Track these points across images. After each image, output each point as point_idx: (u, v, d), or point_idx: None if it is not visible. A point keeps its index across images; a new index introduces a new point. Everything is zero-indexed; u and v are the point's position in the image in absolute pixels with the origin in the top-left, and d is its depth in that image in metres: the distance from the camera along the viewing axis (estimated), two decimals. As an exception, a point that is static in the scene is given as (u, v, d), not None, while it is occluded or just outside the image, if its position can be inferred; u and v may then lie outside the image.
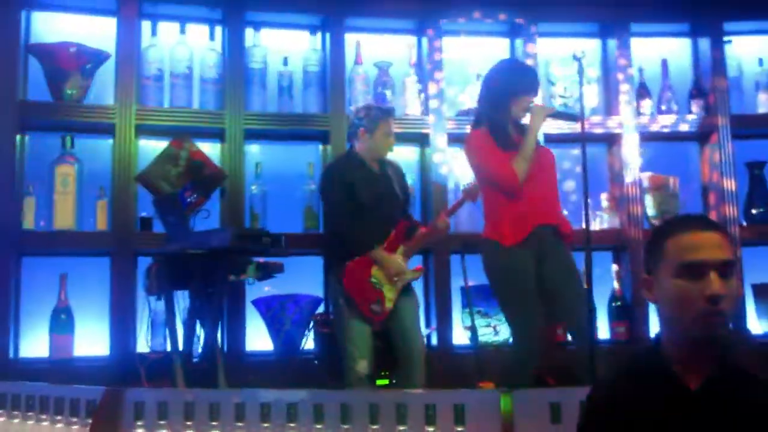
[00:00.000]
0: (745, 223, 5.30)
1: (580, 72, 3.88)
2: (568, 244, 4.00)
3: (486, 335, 4.98)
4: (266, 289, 4.79)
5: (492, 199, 4.06)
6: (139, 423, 2.90)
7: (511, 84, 3.98)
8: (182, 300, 4.12)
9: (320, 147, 5.23)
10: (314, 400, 2.77)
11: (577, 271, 3.95)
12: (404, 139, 5.19)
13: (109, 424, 2.92)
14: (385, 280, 4.23)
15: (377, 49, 5.33)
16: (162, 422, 2.88)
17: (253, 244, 3.77)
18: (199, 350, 4.05)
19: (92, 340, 4.71)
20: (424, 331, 4.84)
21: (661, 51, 5.56)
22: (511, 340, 4.15)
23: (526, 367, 3.80)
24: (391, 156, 4.54)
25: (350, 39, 5.22)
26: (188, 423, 2.86)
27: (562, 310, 3.96)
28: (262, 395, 2.84)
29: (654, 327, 5.04)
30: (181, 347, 4.06)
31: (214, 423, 2.84)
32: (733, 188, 5.25)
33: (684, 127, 5.35)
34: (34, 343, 4.66)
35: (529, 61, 5.05)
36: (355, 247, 4.26)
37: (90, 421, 2.97)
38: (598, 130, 5.26)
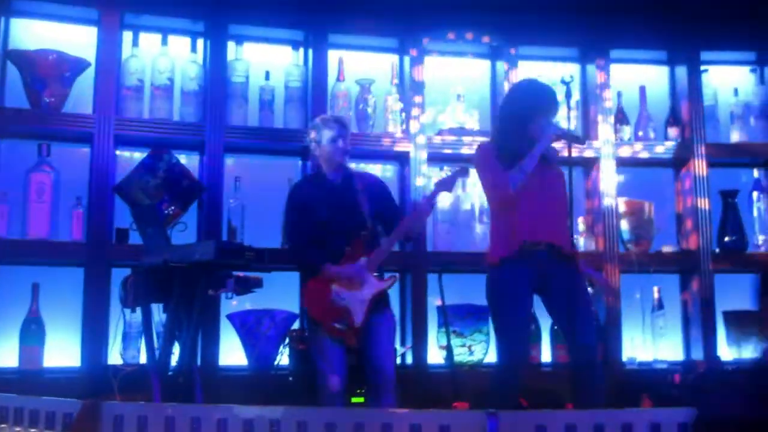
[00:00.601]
0: (717, 251, 5.36)
1: (568, 96, 3.91)
2: (573, 266, 3.88)
3: (461, 355, 4.98)
4: (234, 303, 4.69)
5: (493, 217, 4.03)
6: (117, 437, 2.85)
7: (530, 104, 3.92)
8: (157, 313, 4.06)
9: (300, 162, 5.22)
10: (297, 418, 2.74)
11: (584, 293, 3.88)
12: (384, 156, 5.21)
13: (86, 438, 2.87)
14: (349, 292, 4.15)
15: (360, 67, 5.34)
16: (141, 437, 2.83)
17: (236, 259, 3.72)
18: (174, 364, 3.99)
19: (63, 350, 4.64)
20: (399, 349, 4.82)
21: (640, 78, 5.65)
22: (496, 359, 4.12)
23: (506, 387, 3.76)
24: (368, 169, 4.47)
25: (333, 55, 5.22)
26: (168, 438, 2.82)
27: (564, 332, 3.92)
28: (244, 411, 2.80)
29: (627, 349, 5.12)
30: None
31: (194, 439, 2.80)
32: (708, 215, 5.32)
33: (660, 154, 5.43)
34: (4, 353, 4.57)
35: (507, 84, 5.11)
36: (305, 269, 4.23)
37: (66, 434, 2.91)
38: (576, 154, 5.29)
